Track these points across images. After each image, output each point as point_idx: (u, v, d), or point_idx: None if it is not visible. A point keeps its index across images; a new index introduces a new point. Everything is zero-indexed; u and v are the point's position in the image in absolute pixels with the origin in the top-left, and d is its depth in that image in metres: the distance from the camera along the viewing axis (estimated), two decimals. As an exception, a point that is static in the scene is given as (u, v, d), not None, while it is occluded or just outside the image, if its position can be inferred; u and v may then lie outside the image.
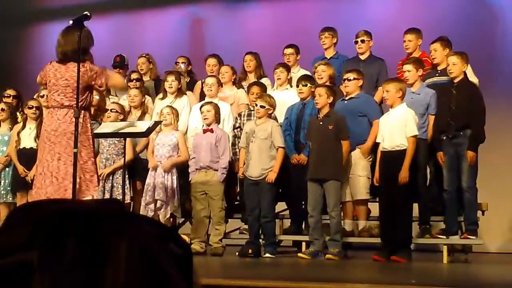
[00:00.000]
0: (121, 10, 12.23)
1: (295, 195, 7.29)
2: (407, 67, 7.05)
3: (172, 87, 8.10)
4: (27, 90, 8.89)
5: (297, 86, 7.42)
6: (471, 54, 6.98)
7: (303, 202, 7.13)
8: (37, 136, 7.69)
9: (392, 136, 6.58)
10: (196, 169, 7.35)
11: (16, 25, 12.25)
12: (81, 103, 5.61)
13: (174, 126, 7.62)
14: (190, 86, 8.68)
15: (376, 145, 6.97)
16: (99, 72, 5.71)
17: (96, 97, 7.06)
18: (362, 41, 7.88)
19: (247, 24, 11.29)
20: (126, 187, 7.45)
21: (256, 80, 8.17)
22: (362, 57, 7.90)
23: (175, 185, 7.42)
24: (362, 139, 7.10)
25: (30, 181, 7.62)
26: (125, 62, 9.18)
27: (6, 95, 8.66)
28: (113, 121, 7.53)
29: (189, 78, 8.84)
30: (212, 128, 7.37)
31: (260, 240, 7.19)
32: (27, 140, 7.99)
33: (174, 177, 7.45)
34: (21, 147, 7.99)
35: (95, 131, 6.25)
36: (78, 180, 5.51)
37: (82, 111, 5.60)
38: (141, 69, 8.97)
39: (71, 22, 5.62)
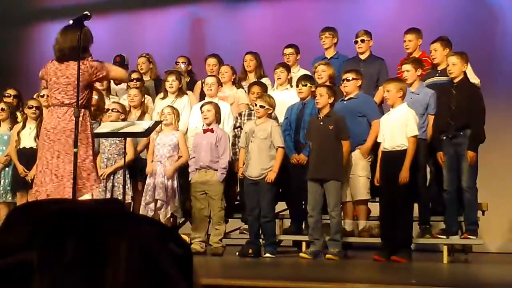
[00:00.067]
0: (121, 10, 12.23)
1: (295, 195, 7.29)
2: (406, 67, 7.05)
3: (172, 87, 8.10)
4: (27, 90, 8.89)
5: (297, 86, 7.42)
6: (471, 54, 6.98)
7: (303, 202, 7.13)
8: (37, 136, 7.69)
9: (393, 136, 6.58)
10: (196, 168, 7.35)
11: (16, 25, 12.25)
12: (82, 101, 5.61)
13: (175, 126, 7.62)
14: (190, 86, 8.68)
15: (376, 145, 6.97)
16: (99, 67, 5.72)
17: (95, 96, 7.05)
18: (362, 40, 7.88)
19: (247, 24, 11.29)
20: (127, 186, 7.46)
21: (256, 80, 8.17)
22: (362, 57, 7.90)
23: (175, 185, 7.42)
24: (362, 139, 7.11)
25: (30, 181, 7.63)
26: (125, 62, 9.18)
27: (6, 94, 8.66)
28: (114, 120, 7.53)
29: (189, 78, 8.84)
30: (212, 128, 7.37)
31: (260, 240, 7.19)
32: (27, 140, 7.99)
33: (175, 177, 7.45)
34: (21, 146, 7.99)
35: (95, 131, 6.25)
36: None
37: (82, 110, 5.60)
38: (141, 69, 8.98)
39: (71, 22, 5.61)
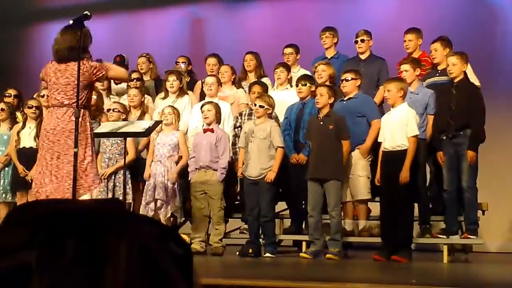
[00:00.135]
0: (121, 10, 12.23)
1: (295, 195, 7.29)
2: (404, 67, 7.05)
3: (173, 87, 8.10)
4: (27, 90, 8.89)
5: (297, 85, 7.42)
6: (471, 54, 6.98)
7: (303, 202, 7.13)
8: (37, 136, 7.70)
9: (393, 136, 6.58)
10: (196, 168, 7.35)
11: (16, 25, 12.25)
12: (81, 101, 5.61)
13: (175, 126, 7.62)
14: (190, 86, 8.68)
15: (375, 144, 6.98)
16: (98, 66, 5.72)
17: (93, 96, 7.06)
18: (362, 40, 7.88)
19: (247, 24, 11.29)
20: (128, 186, 7.46)
21: (256, 79, 8.17)
22: (363, 57, 7.90)
23: (175, 185, 7.43)
24: (361, 139, 7.11)
25: (30, 181, 7.63)
26: (125, 62, 9.18)
27: (7, 94, 8.67)
28: (115, 120, 7.53)
29: (189, 78, 8.84)
30: (212, 128, 7.37)
31: (261, 240, 7.19)
32: (27, 140, 8.00)
33: (171, 172, 7.45)
34: (20, 146, 7.99)
35: (94, 131, 6.25)
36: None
37: (82, 110, 5.60)
38: (141, 69, 8.98)
39: (71, 22, 5.62)
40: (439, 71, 7.21)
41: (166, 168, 7.44)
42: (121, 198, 7.16)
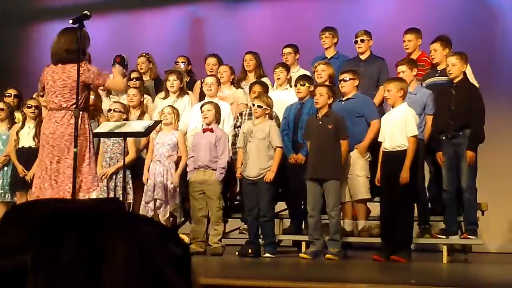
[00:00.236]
0: (121, 10, 12.23)
1: (294, 195, 7.29)
2: (401, 68, 7.06)
3: (173, 87, 8.10)
4: (27, 90, 8.89)
5: (295, 85, 7.43)
6: (471, 54, 6.98)
7: (302, 202, 7.13)
8: (36, 135, 7.71)
9: (393, 136, 6.58)
10: (195, 168, 7.35)
11: (16, 25, 12.24)
12: (79, 103, 5.60)
13: (175, 125, 7.62)
14: (190, 86, 8.67)
15: (374, 144, 6.98)
16: (96, 73, 5.71)
17: (91, 96, 7.06)
18: (362, 40, 7.88)
19: (247, 24, 11.29)
20: (128, 186, 7.46)
21: (256, 79, 8.16)
22: (363, 57, 7.90)
23: (175, 185, 7.43)
24: (360, 139, 7.11)
25: (29, 181, 7.63)
26: (125, 62, 9.16)
27: (7, 94, 8.68)
28: (116, 120, 7.53)
29: (189, 78, 8.83)
30: (212, 128, 7.36)
31: (260, 240, 7.19)
32: (26, 140, 8.00)
33: (174, 175, 7.45)
34: (20, 146, 7.99)
35: (94, 131, 6.25)
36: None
37: (81, 112, 5.60)
38: (141, 69, 8.97)
39: (70, 21, 5.62)
40: (439, 71, 7.21)
41: (165, 168, 7.44)
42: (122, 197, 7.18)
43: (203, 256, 7.01)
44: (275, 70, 7.96)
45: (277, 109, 7.48)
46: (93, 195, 5.93)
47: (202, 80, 8.26)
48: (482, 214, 7.03)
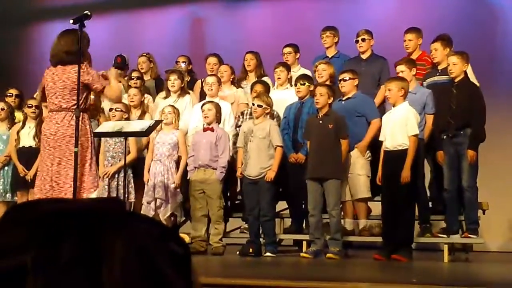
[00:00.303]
0: (121, 10, 12.23)
1: (294, 194, 7.29)
2: (400, 68, 7.06)
3: (174, 86, 8.10)
4: (27, 89, 8.89)
5: (295, 85, 7.43)
6: (472, 54, 6.98)
7: (303, 202, 7.13)
8: (36, 135, 7.72)
9: (394, 135, 6.57)
10: (195, 167, 7.35)
11: (16, 25, 12.25)
12: (80, 104, 5.60)
13: (175, 125, 7.62)
14: (191, 85, 8.67)
15: (374, 143, 6.98)
16: (95, 78, 5.70)
17: (91, 96, 7.06)
18: (363, 40, 7.88)
19: (247, 24, 11.29)
20: (130, 185, 7.46)
21: (256, 79, 8.16)
22: (364, 56, 7.90)
23: (177, 185, 7.43)
24: (360, 139, 7.12)
25: (29, 180, 7.64)
26: (125, 62, 9.17)
27: (8, 94, 8.69)
28: (118, 120, 7.53)
29: (189, 78, 8.83)
30: (212, 127, 7.36)
31: (261, 239, 7.19)
32: (26, 139, 8.01)
33: (175, 176, 7.45)
34: (20, 146, 8.00)
35: (95, 130, 6.24)
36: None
37: (81, 113, 5.60)
38: (141, 68, 8.96)
39: (71, 21, 5.62)
40: (439, 71, 7.21)
41: (166, 167, 7.44)
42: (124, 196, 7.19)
43: (204, 256, 7.01)
44: (276, 70, 7.96)
45: (278, 108, 7.49)
46: (93, 195, 5.93)
47: (203, 79, 8.26)
48: (483, 213, 7.03)
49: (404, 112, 6.57)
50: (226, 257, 7.10)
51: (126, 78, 8.79)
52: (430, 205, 7.17)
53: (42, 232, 0.73)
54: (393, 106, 6.71)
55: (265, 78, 8.22)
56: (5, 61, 11.83)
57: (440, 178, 6.95)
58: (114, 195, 7.39)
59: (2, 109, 8.35)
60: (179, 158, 7.54)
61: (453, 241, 6.87)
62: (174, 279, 0.74)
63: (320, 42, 8.28)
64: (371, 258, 6.55)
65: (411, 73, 7.02)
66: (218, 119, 7.44)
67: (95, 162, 5.88)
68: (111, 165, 7.56)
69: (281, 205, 7.72)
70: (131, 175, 7.54)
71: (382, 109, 7.32)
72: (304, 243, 7.13)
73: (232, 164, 7.44)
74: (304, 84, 7.34)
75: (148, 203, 7.38)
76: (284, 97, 7.68)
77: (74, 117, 5.58)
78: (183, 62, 8.90)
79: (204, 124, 7.48)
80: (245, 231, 7.67)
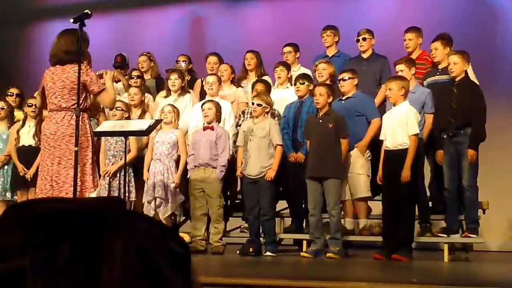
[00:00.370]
0: (121, 9, 12.23)
1: (294, 193, 7.29)
2: (400, 67, 7.06)
3: (175, 85, 8.10)
4: (27, 89, 8.89)
5: (295, 84, 7.43)
6: (472, 53, 6.98)
7: (303, 201, 7.13)
8: (36, 134, 7.72)
9: (394, 135, 6.57)
10: (195, 166, 7.34)
11: (16, 25, 12.24)
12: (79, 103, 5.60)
13: (174, 124, 7.62)
14: (191, 85, 8.67)
15: (374, 143, 6.98)
16: (93, 80, 5.69)
17: (91, 95, 7.05)
18: (364, 39, 7.88)
19: (247, 23, 11.28)
20: (131, 184, 7.46)
21: (257, 78, 8.16)
22: (365, 55, 7.90)
23: (176, 185, 7.42)
24: (361, 138, 7.12)
25: (29, 179, 7.65)
26: (125, 61, 9.18)
27: (9, 93, 8.69)
28: (118, 119, 7.53)
29: (189, 77, 8.84)
30: (212, 126, 7.36)
31: (261, 239, 7.19)
32: (26, 138, 8.01)
33: (175, 176, 7.45)
34: (20, 145, 8.01)
35: (95, 130, 6.24)
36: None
37: (80, 112, 5.59)
38: (142, 67, 8.96)
39: (71, 20, 5.61)
40: (440, 70, 7.21)
41: (165, 166, 7.44)
42: (125, 195, 7.19)
43: (204, 255, 7.01)
44: (276, 69, 7.96)
45: (278, 108, 7.50)
46: (93, 194, 5.93)
47: (203, 78, 8.27)
48: (483, 212, 7.03)
49: (405, 111, 6.57)
50: (226, 256, 7.10)
51: (126, 77, 8.80)
52: (430, 205, 7.17)
53: (41, 232, 0.72)
54: (394, 105, 6.70)
55: (265, 78, 8.22)
56: (5, 61, 11.83)
57: (440, 177, 6.95)
58: (115, 194, 7.39)
59: (2, 108, 8.35)
60: (179, 157, 7.54)
61: (453, 240, 6.87)
62: (173, 279, 0.74)
63: (321, 41, 8.28)
64: (371, 257, 6.55)
65: (410, 72, 7.02)
66: (218, 118, 7.44)
67: (95, 161, 5.88)
68: (112, 164, 7.56)
69: (281, 204, 7.71)
70: (132, 174, 7.54)
71: (382, 108, 7.32)
72: (304, 242, 7.13)
73: (232, 163, 7.44)
74: (304, 83, 7.34)
75: (149, 202, 7.38)
76: (284, 96, 7.68)
77: (73, 117, 5.58)
78: (183, 61, 8.90)
79: (204, 123, 7.48)
80: (245, 230, 7.67)
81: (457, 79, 6.79)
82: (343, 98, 7.24)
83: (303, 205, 7.14)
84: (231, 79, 8.28)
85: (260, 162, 7.07)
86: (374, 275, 5.68)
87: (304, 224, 7.36)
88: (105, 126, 7.05)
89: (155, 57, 9.12)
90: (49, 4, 12.74)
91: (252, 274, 5.16)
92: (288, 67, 8.03)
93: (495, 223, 8.11)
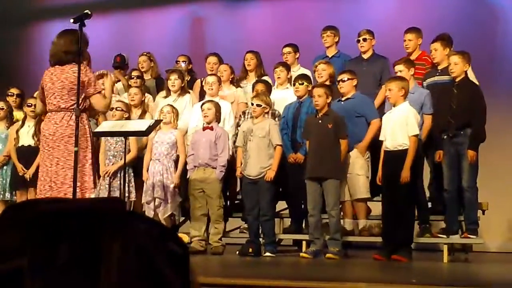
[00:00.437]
0: (121, 9, 12.23)
1: (294, 194, 7.29)
2: (398, 67, 7.06)
3: (175, 86, 8.10)
4: (27, 89, 8.89)
5: (294, 84, 7.43)
6: (472, 53, 6.98)
7: (302, 201, 7.13)
8: (35, 134, 7.72)
9: (394, 135, 6.57)
10: (195, 166, 7.34)
11: (16, 25, 12.24)
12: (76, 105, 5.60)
13: (174, 124, 7.62)
14: (191, 85, 8.67)
15: (374, 143, 6.98)
16: (90, 82, 5.68)
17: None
18: (364, 39, 7.88)
19: (247, 23, 11.28)
20: (131, 185, 7.46)
21: (256, 79, 8.16)
22: (365, 56, 7.90)
23: (176, 185, 7.42)
24: (360, 139, 7.12)
25: (28, 179, 7.65)
26: (125, 61, 9.17)
27: (9, 93, 8.69)
28: (118, 119, 7.52)
29: (189, 77, 8.84)
30: (212, 126, 7.36)
31: (260, 239, 7.18)
32: (26, 138, 8.01)
33: (174, 176, 7.44)
34: (19, 145, 8.01)
35: (94, 130, 6.24)
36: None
37: (80, 113, 5.59)
38: (142, 67, 8.96)
39: (71, 20, 5.61)
40: (439, 71, 7.21)
41: (164, 166, 7.43)
42: (125, 196, 7.18)
43: (203, 255, 7.01)
44: (275, 70, 7.96)
45: (277, 108, 7.50)
46: (92, 195, 5.94)
47: (203, 79, 8.27)
48: (483, 213, 7.03)
49: (405, 112, 6.57)
50: (225, 256, 7.10)
51: (126, 77, 8.80)
52: (430, 205, 7.17)
53: (40, 233, 0.72)
54: (394, 106, 6.70)
55: (265, 78, 8.22)
56: (5, 61, 11.83)
57: (439, 178, 6.95)
58: (116, 194, 7.39)
59: (2, 109, 8.36)
60: (178, 157, 7.53)
61: (452, 241, 6.87)
62: (172, 279, 0.74)
63: (321, 41, 8.28)
64: (370, 258, 6.55)
65: (409, 73, 7.02)
66: (217, 118, 7.44)
67: (94, 162, 5.88)
68: (112, 164, 7.55)
69: (281, 205, 7.71)
70: (132, 174, 7.54)
71: (381, 109, 7.32)
72: (304, 243, 7.13)
73: (232, 164, 7.44)
74: (303, 83, 7.34)
75: (148, 203, 7.38)
76: (284, 97, 7.68)
77: (72, 117, 5.57)
78: (183, 61, 8.90)
79: (203, 124, 7.48)
80: (244, 231, 7.67)
81: (457, 80, 6.79)
82: (343, 99, 7.24)
83: (303, 206, 7.14)
84: (230, 79, 8.28)
85: (259, 163, 7.07)
86: (374, 276, 5.69)
87: (303, 225, 7.36)
88: (104, 126, 7.05)
89: (155, 57, 9.12)
90: (49, 4, 12.74)
91: (252, 275, 5.16)
92: (287, 67, 8.03)
93: (495, 224, 8.10)
